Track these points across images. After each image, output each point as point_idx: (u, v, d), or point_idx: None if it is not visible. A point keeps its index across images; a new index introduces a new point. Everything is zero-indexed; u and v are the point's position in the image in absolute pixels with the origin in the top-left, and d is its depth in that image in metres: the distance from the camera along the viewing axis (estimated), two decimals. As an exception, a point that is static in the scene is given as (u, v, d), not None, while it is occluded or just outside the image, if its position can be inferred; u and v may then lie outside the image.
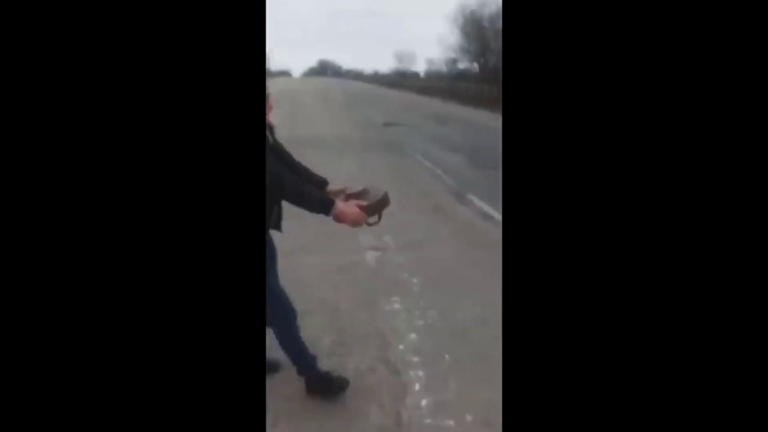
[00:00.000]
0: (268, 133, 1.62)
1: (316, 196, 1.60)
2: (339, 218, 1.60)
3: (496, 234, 3.90)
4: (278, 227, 1.71)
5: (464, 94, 22.32)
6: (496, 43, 22.55)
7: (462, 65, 27.58)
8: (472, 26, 23.14)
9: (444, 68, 30.14)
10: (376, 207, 1.67)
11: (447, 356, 2.22)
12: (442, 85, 27.78)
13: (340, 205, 1.59)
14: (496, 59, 23.01)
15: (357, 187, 1.73)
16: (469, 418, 1.84)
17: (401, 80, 43.77)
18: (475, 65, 24.99)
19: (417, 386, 2.01)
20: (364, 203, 1.65)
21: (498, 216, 4.35)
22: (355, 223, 1.62)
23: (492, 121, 13.05)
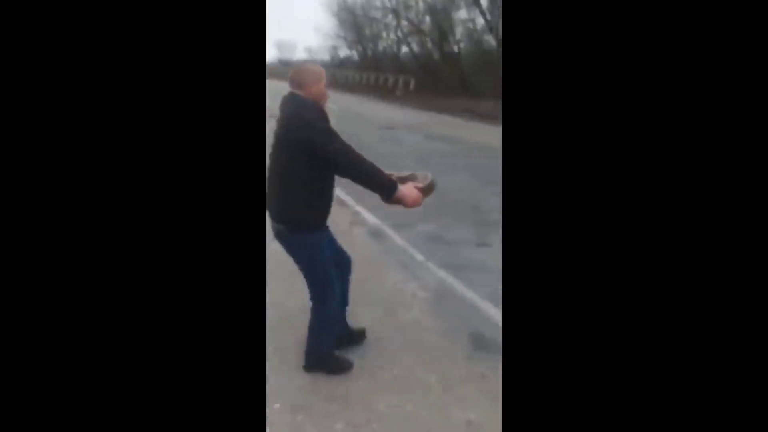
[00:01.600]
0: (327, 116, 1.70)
1: (382, 177, 1.64)
2: (400, 200, 1.67)
3: (345, 218, 3.97)
4: (323, 224, 1.83)
5: (344, 81, 22.41)
6: (371, 31, 22.90)
7: (343, 53, 27.62)
8: (346, 14, 23.22)
9: (327, 56, 29.92)
10: (427, 190, 1.75)
11: (270, 347, 2.21)
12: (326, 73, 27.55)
13: (401, 187, 1.67)
14: (373, 47, 23.37)
15: (404, 173, 1.80)
16: (276, 406, 1.84)
17: (285, 70, 42.63)
18: (354, 53, 25.20)
19: (229, 383, 1.97)
20: (420, 185, 1.73)
21: (350, 200, 4.43)
22: (414, 204, 1.70)
23: (364, 108, 13.26)
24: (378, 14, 21.47)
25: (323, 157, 1.59)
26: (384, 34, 22.53)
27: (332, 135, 1.61)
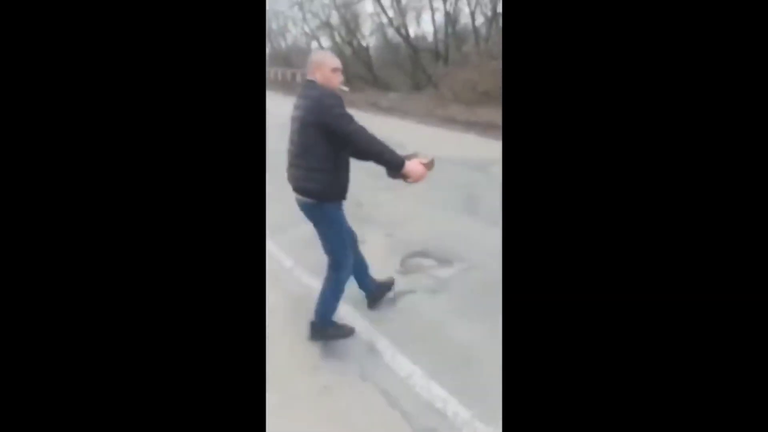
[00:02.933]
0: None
1: (393, 154, 1.86)
2: (407, 173, 1.89)
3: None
4: (344, 196, 2.04)
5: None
6: (278, 24, 22.23)
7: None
8: (252, 7, 22.23)
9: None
10: (428, 167, 1.95)
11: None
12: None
13: (408, 163, 1.88)
14: (284, 41, 22.72)
15: (407, 153, 1.96)
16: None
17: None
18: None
19: None
20: (424, 161, 1.92)
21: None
22: (419, 177, 1.92)
23: (270, 103, 12.78)
24: (283, 7, 20.87)
25: (342, 138, 1.83)
26: (291, 28, 21.97)
27: (349, 118, 1.83)
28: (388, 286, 2.52)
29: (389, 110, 10.26)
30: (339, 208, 2.05)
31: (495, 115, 8.00)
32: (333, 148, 1.87)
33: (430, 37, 15.23)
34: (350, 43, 17.67)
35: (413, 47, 14.73)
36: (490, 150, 5.86)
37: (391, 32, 16.39)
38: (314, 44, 20.71)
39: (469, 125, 7.86)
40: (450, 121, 8.30)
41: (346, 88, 2.10)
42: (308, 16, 19.52)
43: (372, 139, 1.84)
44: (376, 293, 2.46)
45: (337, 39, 18.50)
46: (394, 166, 1.88)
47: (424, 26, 15.72)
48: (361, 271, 2.36)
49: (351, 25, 17.13)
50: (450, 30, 14.68)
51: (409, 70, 15.28)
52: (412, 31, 15.38)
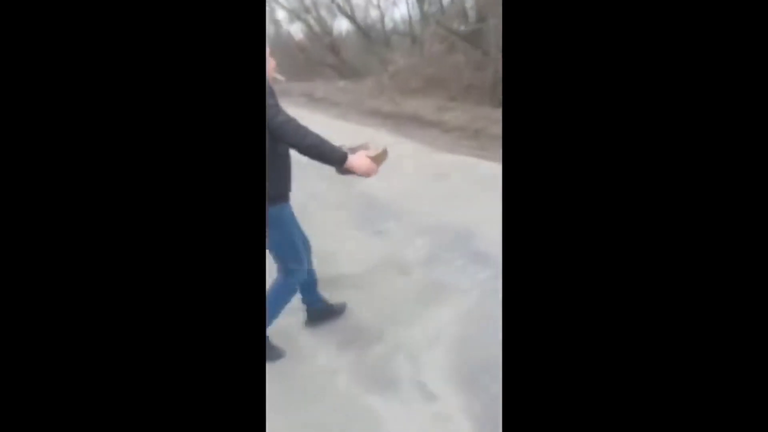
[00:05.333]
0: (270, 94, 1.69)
1: (330, 147, 1.68)
2: (352, 169, 1.70)
3: None
4: (286, 197, 1.85)
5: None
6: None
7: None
8: None
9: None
10: (378, 159, 1.77)
11: None
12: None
13: (352, 157, 1.70)
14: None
15: (357, 143, 1.84)
16: None
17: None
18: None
19: None
20: (371, 154, 1.76)
21: None
22: (367, 172, 1.73)
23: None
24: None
25: (270, 132, 1.64)
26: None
27: (277, 109, 1.66)
28: (337, 310, 2.26)
29: (320, 101, 9.15)
30: (283, 209, 1.82)
31: (423, 105, 6.83)
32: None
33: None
34: (311, 27, 16.44)
35: (363, 30, 13.57)
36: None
37: (372, 16, 15.17)
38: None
39: (388, 118, 6.71)
40: (372, 114, 7.18)
41: (281, 77, 1.94)
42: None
43: (304, 133, 1.65)
44: (320, 312, 2.21)
45: (305, 24, 17.27)
46: (333, 161, 1.67)
47: (403, 8, 14.45)
48: (308, 284, 2.13)
49: (312, 10, 15.93)
50: (421, 12, 13.47)
51: (383, 57, 14.18)
52: (393, 15, 14.16)
